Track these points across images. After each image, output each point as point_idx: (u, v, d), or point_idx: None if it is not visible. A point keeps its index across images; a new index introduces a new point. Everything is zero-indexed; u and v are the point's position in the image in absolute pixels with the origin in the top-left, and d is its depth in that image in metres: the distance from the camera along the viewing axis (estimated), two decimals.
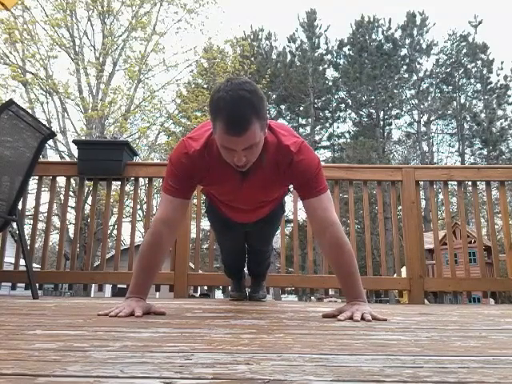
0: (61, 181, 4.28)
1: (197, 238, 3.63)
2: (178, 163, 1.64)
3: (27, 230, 7.56)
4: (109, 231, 6.40)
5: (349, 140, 34.73)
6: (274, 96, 33.60)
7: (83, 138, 12.91)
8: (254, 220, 2.05)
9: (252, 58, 17.74)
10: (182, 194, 1.66)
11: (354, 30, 35.24)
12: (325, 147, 35.90)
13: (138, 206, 14.76)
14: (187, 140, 1.65)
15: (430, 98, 34.33)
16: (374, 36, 34.94)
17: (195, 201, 4.00)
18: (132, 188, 5.70)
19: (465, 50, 33.74)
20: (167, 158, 1.79)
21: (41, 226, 7.23)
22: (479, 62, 33.64)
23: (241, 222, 2.05)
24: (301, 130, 35.53)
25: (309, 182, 1.65)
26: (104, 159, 3.30)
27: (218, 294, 13.27)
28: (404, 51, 34.50)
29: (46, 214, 3.59)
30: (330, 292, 13.77)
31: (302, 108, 34.74)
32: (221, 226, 2.20)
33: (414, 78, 34.19)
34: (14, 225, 2.95)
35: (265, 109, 1.48)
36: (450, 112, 33.82)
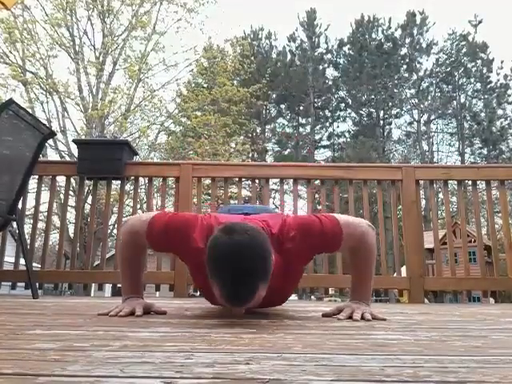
0: (61, 180, 4.28)
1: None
2: (177, 238, 1.48)
3: (27, 229, 7.55)
4: (109, 231, 6.39)
5: (349, 139, 34.76)
6: (274, 95, 33.60)
7: (83, 137, 12.91)
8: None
9: (252, 58, 17.71)
10: (155, 246, 1.57)
11: (353, 30, 35.25)
12: (325, 146, 35.94)
13: (138, 206, 14.73)
14: (200, 224, 1.49)
15: (429, 98, 34.34)
16: (373, 35, 34.95)
17: (195, 200, 4.00)
18: (132, 187, 5.70)
19: (465, 50, 33.74)
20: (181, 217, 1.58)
21: (41, 225, 7.22)
22: (479, 62, 33.64)
23: None
24: (301, 129, 35.57)
25: (325, 244, 1.52)
26: (104, 159, 3.30)
27: None
28: (404, 50, 34.51)
29: (45, 214, 3.58)
30: (330, 291, 13.78)
31: (301, 107, 34.74)
32: None
33: (414, 77, 34.20)
34: (14, 224, 2.95)
35: (270, 264, 1.29)
36: (449, 111, 33.84)
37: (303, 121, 35.97)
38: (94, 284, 3.71)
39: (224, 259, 1.23)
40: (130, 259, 1.62)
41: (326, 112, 36.18)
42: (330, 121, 36.23)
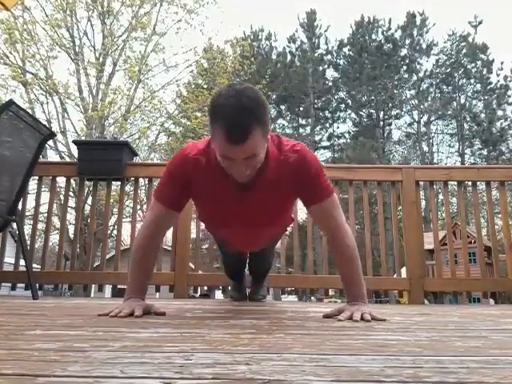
0: (61, 181, 4.28)
1: (197, 238, 3.64)
2: (174, 165, 1.61)
3: (27, 230, 7.55)
4: (109, 231, 6.40)
5: (349, 140, 34.78)
6: (274, 96, 33.63)
7: (83, 138, 12.91)
8: (257, 248, 2.02)
9: (252, 59, 17.72)
10: (172, 204, 1.62)
11: (353, 31, 35.29)
12: (325, 147, 35.96)
13: (138, 207, 14.74)
14: (187, 144, 1.64)
15: (429, 99, 34.37)
16: (373, 36, 34.99)
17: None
18: (132, 188, 5.71)
19: (465, 51, 33.78)
20: (167, 161, 1.76)
21: (41, 226, 7.22)
22: (479, 63, 33.68)
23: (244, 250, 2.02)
24: (301, 130, 35.57)
25: (315, 185, 1.60)
26: (104, 159, 3.30)
27: (218, 294, 13.27)
28: (404, 51, 34.55)
29: (45, 215, 3.58)
30: (330, 292, 13.78)
31: (302, 108, 34.76)
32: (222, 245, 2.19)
33: (414, 78, 34.24)
34: (14, 225, 2.95)
35: (267, 116, 1.43)
36: (449, 112, 33.87)
37: (303, 122, 36.00)
38: (93, 285, 3.70)
39: (224, 99, 1.34)
40: (139, 260, 1.65)
41: (326, 113, 36.21)
42: (329, 122, 36.26)
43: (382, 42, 34.55)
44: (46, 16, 13.36)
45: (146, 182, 4.39)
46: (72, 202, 9.22)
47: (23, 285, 3.02)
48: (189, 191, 1.64)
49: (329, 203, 1.61)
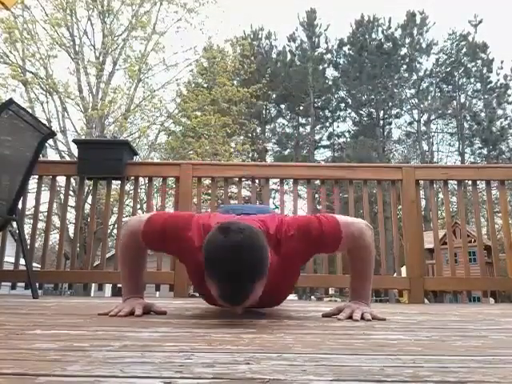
0: (61, 180, 4.28)
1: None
2: (172, 231, 1.48)
3: (27, 229, 7.55)
4: (109, 231, 6.39)
5: (349, 139, 34.75)
6: (274, 95, 33.60)
7: (83, 137, 12.91)
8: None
9: (252, 58, 17.71)
10: (151, 246, 1.57)
11: (353, 30, 35.25)
12: (325, 146, 35.94)
13: (138, 206, 14.73)
14: (195, 229, 1.47)
15: (429, 98, 34.34)
16: (373, 35, 34.94)
17: (195, 200, 4.00)
18: (132, 187, 5.70)
19: (465, 50, 33.74)
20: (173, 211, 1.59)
21: (41, 225, 7.22)
22: (479, 62, 33.64)
23: None
24: (301, 129, 35.57)
25: (324, 245, 1.52)
26: (104, 159, 3.30)
27: None
28: (404, 50, 34.50)
29: (45, 214, 3.58)
30: (330, 291, 13.78)
31: (301, 107, 34.73)
32: None
33: (414, 77, 34.20)
34: (14, 224, 2.95)
35: (266, 264, 1.30)
36: (449, 111, 33.84)
37: (303, 121, 35.96)
38: (93, 284, 3.71)
39: (220, 260, 1.23)
40: (130, 259, 1.62)
41: (326, 112, 36.17)
42: (329, 121, 36.23)
43: (382, 40, 34.50)
44: (46, 15, 13.36)
45: (146, 181, 4.40)
46: (72, 201, 9.21)
47: (23, 284, 3.02)
48: (173, 255, 1.65)
49: (345, 234, 1.51)
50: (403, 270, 3.46)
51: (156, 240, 1.52)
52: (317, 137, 35.40)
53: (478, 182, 3.44)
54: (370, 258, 1.60)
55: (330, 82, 35.34)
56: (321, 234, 1.48)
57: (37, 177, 3.44)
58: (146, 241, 1.52)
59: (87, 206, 10.87)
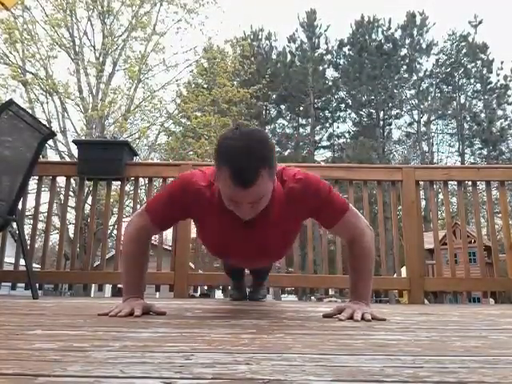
0: (61, 181, 4.28)
1: (197, 237, 3.63)
2: (177, 189, 1.55)
3: (27, 229, 7.55)
4: (109, 231, 6.40)
5: (349, 140, 34.77)
6: (274, 96, 33.62)
7: (83, 137, 12.91)
8: (259, 267, 2.00)
9: (252, 58, 17.71)
10: (162, 224, 1.62)
11: (353, 30, 35.29)
12: (325, 147, 35.97)
13: (138, 206, 14.72)
14: (195, 173, 1.57)
15: (429, 98, 34.37)
16: (373, 36, 35.00)
17: None
18: (132, 188, 5.70)
19: (465, 50, 33.78)
20: (174, 181, 1.65)
21: (41, 225, 7.23)
22: (479, 62, 33.68)
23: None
24: (301, 129, 35.59)
25: (327, 210, 1.55)
26: (104, 159, 3.30)
27: (218, 294, 13.27)
28: (404, 51, 34.55)
29: (45, 214, 3.59)
30: (330, 292, 13.78)
31: (301, 108, 34.76)
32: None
33: (414, 77, 34.23)
34: (14, 225, 2.95)
35: (274, 157, 1.39)
36: (449, 112, 33.86)
37: (303, 121, 35.99)
38: (93, 284, 3.71)
39: (231, 142, 1.33)
40: (132, 259, 1.63)
41: (326, 113, 36.21)
42: (329, 121, 36.27)
43: (382, 41, 34.55)
44: (46, 16, 13.36)
45: (146, 182, 4.39)
46: (72, 202, 9.22)
47: (23, 284, 3.02)
48: (185, 217, 1.65)
49: (349, 216, 1.56)
50: (403, 270, 3.46)
51: (164, 208, 1.56)
52: (317, 137, 35.43)
53: (478, 183, 3.44)
54: (370, 258, 1.61)
55: (330, 83, 35.37)
56: (327, 196, 1.52)
57: (37, 177, 3.44)
58: (154, 216, 1.57)
59: (87, 207, 10.87)
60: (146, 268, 1.68)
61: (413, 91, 34.68)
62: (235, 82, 18.13)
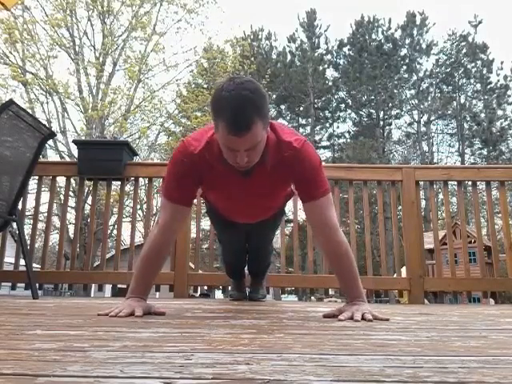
0: (61, 181, 4.28)
1: (197, 237, 3.64)
2: (178, 162, 1.64)
3: (27, 229, 7.55)
4: (109, 231, 6.40)
5: (349, 140, 34.75)
6: (274, 96, 33.59)
7: (83, 137, 12.91)
8: (255, 221, 2.05)
9: (252, 58, 17.71)
10: (181, 200, 1.66)
11: (353, 30, 35.26)
12: (325, 147, 35.92)
13: (138, 206, 14.75)
14: (188, 140, 1.65)
15: (429, 98, 34.35)
16: (373, 36, 34.95)
17: (195, 200, 3.99)
18: (132, 188, 5.70)
19: (465, 50, 33.74)
20: (168, 159, 1.77)
21: (41, 225, 7.22)
22: (479, 62, 33.64)
23: (242, 222, 2.05)
24: (301, 129, 35.52)
25: (310, 182, 1.64)
26: (104, 159, 3.30)
27: (218, 294, 13.27)
28: (404, 51, 34.52)
29: (45, 214, 3.58)
30: (330, 292, 13.77)
31: (302, 108, 34.74)
32: (221, 225, 2.22)
33: (414, 78, 34.20)
34: (14, 225, 2.95)
35: (267, 107, 1.48)
36: (449, 112, 33.84)
37: (303, 121, 35.95)
38: (93, 285, 3.70)
39: (226, 92, 1.38)
40: (146, 263, 1.66)
41: (326, 113, 36.18)
42: (330, 121, 36.24)
43: (382, 41, 34.51)
44: (46, 16, 13.35)
45: (146, 182, 4.39)
46: (72, 202, 9.23)
47: (23, 284, 3.02)
48: (199, 182, 1.71)
49: (323, 201, 1.64)
50: (403, 270, 3.46)
51: (177, 185, 1.64)
52: (317, 137, 35.38)
53: (478, 183, 3.44)
54: (351, 254, 1.67)
55: (330, 83, 35.33)
56: (313, 171, 1.64)
57: (37, 177, 3.44)
58: (174, 198, 1.64)
59: (87, 207, 10.89)
60: (157, 273, 1.73)
61: (413, 91, 34.66)
62: None
